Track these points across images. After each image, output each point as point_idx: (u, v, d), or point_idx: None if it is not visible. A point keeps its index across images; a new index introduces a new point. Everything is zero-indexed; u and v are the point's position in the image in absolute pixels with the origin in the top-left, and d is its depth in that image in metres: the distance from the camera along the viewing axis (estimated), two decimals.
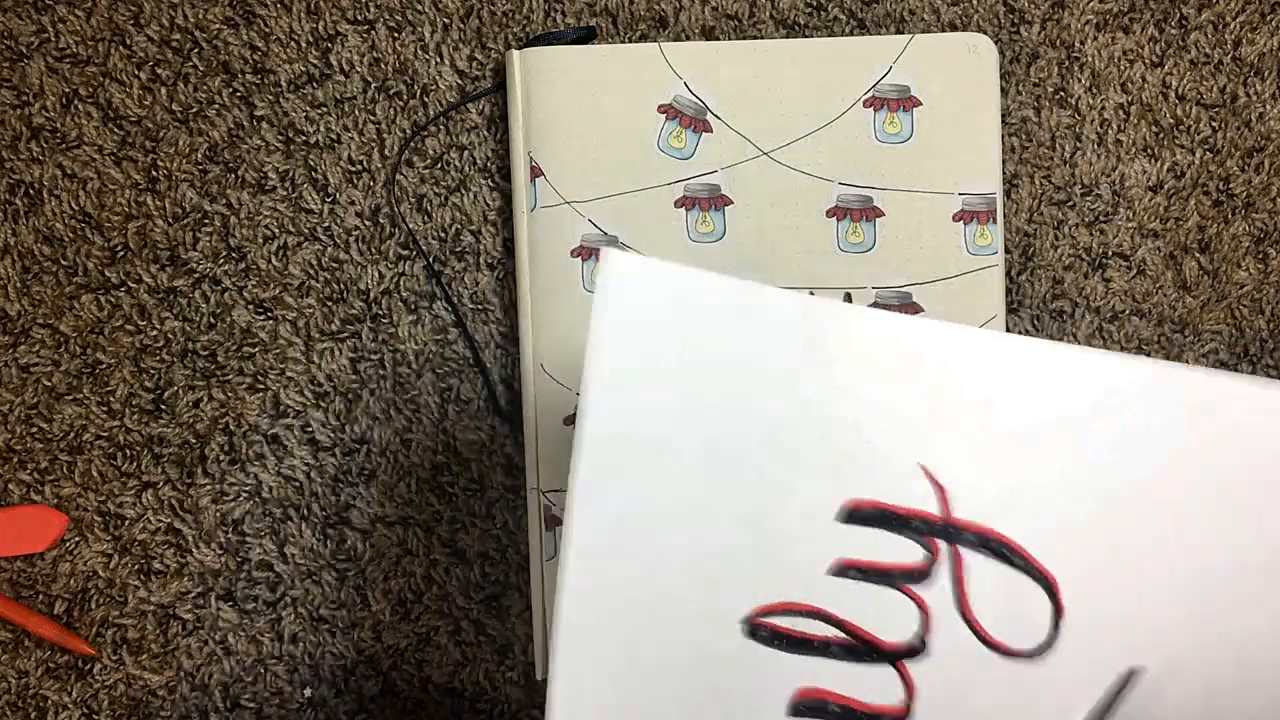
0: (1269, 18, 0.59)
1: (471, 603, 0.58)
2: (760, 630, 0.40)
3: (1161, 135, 0.59)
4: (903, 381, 0.38)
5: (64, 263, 0.57)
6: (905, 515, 0.40)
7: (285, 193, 0.58)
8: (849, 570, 0.40)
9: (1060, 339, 0.59)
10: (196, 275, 0.57)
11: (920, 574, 0.40)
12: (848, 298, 0.57)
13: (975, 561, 0.40)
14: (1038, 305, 0.59)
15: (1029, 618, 0.40)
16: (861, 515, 0.40)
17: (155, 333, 0.57)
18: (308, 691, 0.57)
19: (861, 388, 0.38)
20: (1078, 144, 0.59)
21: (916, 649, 0.40)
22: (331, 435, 0.57)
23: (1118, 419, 0.38)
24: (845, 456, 0.39)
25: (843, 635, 0.40)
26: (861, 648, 0.40)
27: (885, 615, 0.40)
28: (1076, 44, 0.59)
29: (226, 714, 0.57)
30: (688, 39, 0.58)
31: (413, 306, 0.58)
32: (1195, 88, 0.59)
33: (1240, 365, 0.59)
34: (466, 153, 0.58)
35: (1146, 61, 0.59)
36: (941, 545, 0.40)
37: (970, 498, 0.40)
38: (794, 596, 0.40)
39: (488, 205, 0.58)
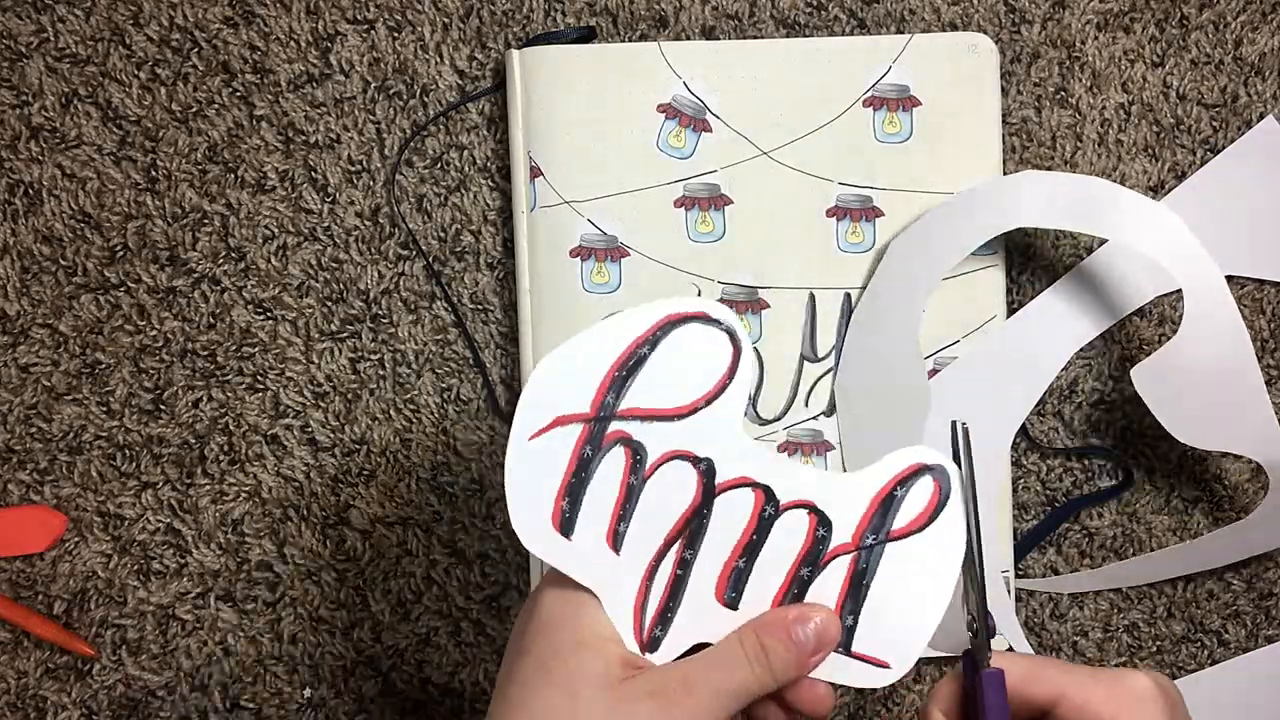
0: (1270, 17, 0.59)
1: (471, 603, 0.58)
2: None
3: (1162, 135, 0.59)
4: None
5: (63, 263, 0.57)
6: None
7: (285, 193, 0.58)
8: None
9: None
10: (196, 275, 0.57)
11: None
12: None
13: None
14: None
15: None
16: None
17: (155, 333, 0.57)
18: (307, 692, 0.57)
19: None
20: (1078, 144, 0.59)
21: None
22: (331, 435, 0.57)
23: None
24: None
25: None
26: None
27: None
28: (1077, 44, 0.59)
29: (226, 714, 0.57)
30: (688, 39, 0.58)
31: (413, 306, 0.58)
32: (1196, 87, 0.59)
33: None
34: (466, 153, 0.58)
35: (1147, 61, 0.59)
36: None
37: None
38: None
39: (487, 205, 0.58)
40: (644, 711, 0.39)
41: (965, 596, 0.40)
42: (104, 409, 0.57)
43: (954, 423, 0.41)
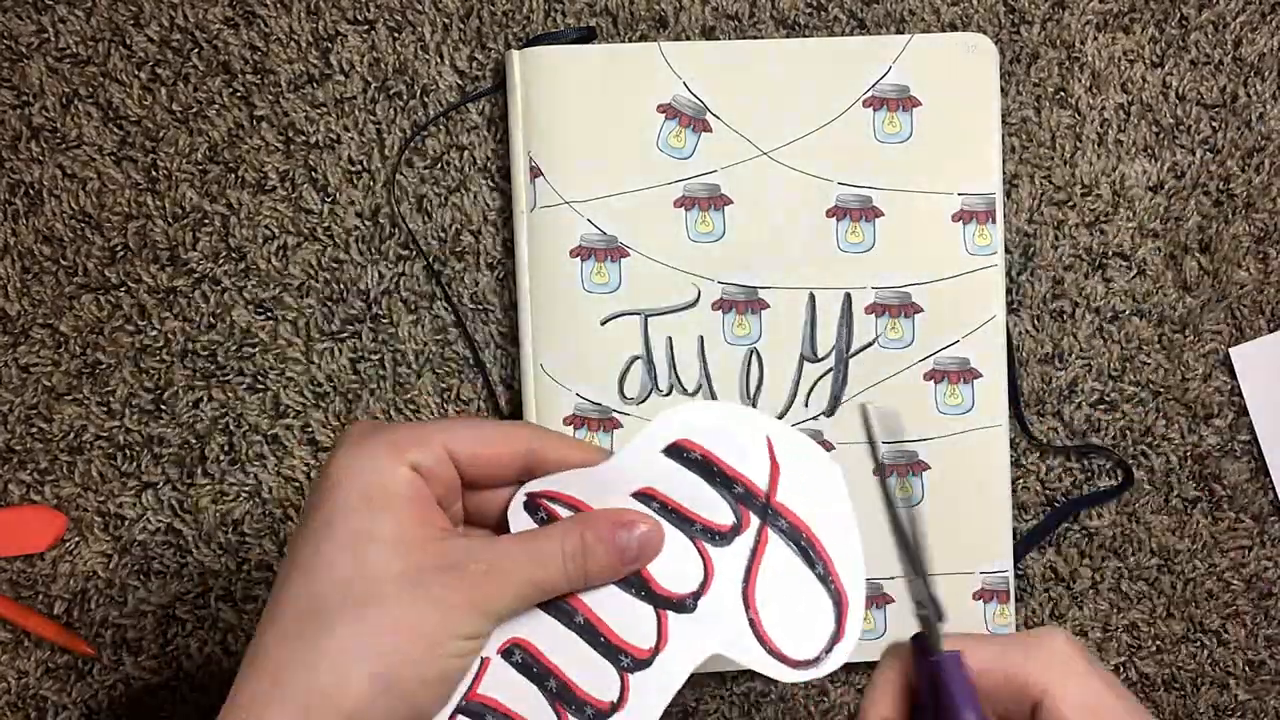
0: (1269, 18, 0.59)
1: None
2: (532, 506, 0.39)
3: (1162, 135, 0.59)
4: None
5: (64, 263, 0.57)
6: (730, 475, 0.39)
7: (285, 193, 0.58)
8: (650, 500, 0.39)
9: (1060, 339, 0.59)
10: (196, 275, 0.57)
11: (720, 536, 0.39)
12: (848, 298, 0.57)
13: (777, 549, 0.39)
14: (1038, 305, 0.59)
15: (807, 627, 0.39)
16: (685, 455, 0.39)
17: (155, 333, 0.57)
18: None
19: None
20: (1078, 144, 0.59)
21: (685, 606, 0.39)
22: (331, 435, 0.57)
23: None
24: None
25: None
26: (633, 579, 0.39)
27: (670, 561, 0.39)
28: (1077, 44, 0.59)
29: None
30: (688, 39, 0.58)
31: (413, 306, 0.58)
32: (1195, 88, 0.59)
33: None
34: (466, 153, 0.58)
35: (1147, 61, 0.59)
36: (753, 519, 0.39)
37: (799, 490, 0.39)
38: (592, 504, 0.39)
39: (488, 205, 0.58)
40: (438, 583, 0.36)
41: (909, 581, 0.38)
42: (104, 409, 0.57)
43: (863, 406, 0.40)
